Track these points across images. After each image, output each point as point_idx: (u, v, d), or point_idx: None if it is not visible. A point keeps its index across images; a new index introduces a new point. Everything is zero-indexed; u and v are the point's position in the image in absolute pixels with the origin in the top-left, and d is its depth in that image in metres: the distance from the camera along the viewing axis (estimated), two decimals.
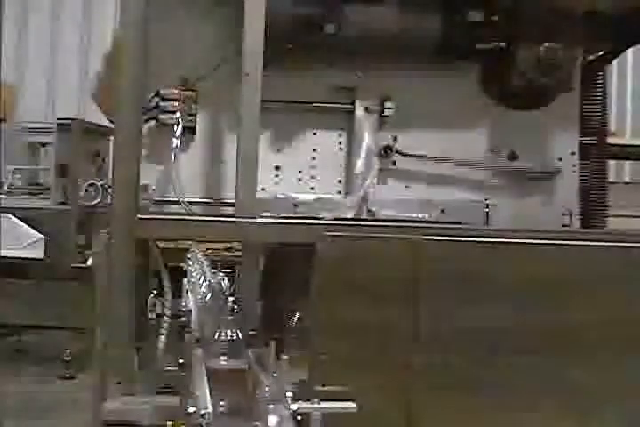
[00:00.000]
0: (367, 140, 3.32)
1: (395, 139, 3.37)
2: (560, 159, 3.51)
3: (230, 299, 2.40)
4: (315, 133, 3.39)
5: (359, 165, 3.31)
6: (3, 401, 6.35)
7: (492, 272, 2.68)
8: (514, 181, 3.47)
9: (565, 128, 3.51)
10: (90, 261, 6.66)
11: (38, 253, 7.73)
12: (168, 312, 3.13)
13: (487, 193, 3.44)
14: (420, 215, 3.28)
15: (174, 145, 3.13)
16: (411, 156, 3.37)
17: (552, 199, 3.49)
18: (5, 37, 8.92)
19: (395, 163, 3.40)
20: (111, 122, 3.46)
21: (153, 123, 3.18)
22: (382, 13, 3.18)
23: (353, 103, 3.36)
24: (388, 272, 2.64)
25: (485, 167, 3.43)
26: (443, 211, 3.33)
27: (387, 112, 3.34)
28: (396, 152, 3.37)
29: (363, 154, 3.32)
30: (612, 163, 3.97)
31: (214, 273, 2.99)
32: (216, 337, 2.15)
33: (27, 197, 8.51)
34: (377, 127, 3.35)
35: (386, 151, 3.35)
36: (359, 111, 3.33)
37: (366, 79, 3.35)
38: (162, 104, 3.16)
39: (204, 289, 3.18)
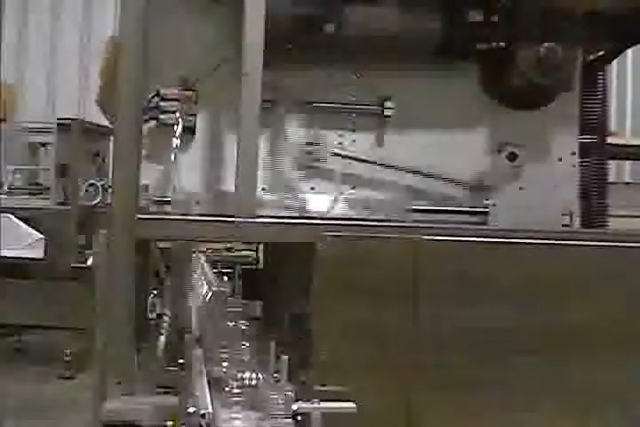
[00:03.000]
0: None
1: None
2: (560, 159, 3.51)
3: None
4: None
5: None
6: (3, 401, 6.35)
7: (492, 272, 2.68)
8: (514, 180, 3.47)
9: (565, 128, 3.51)
10: (90, 261, 6.66)
11: (38, 253, 7.74)
12: (168, 312, 3.13)
13: (488, 192, 3.44)
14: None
15: (174, 145, 3.13)
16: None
17: (552, 199, 3.49)
18: (5, 37, 8.92)
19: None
20: (111, 123, 3.46)
21: (153, 123, 3.18)
22: (382, 13, 3.18)
23: (353, 103, 3.36)
24: (388, 272, 2.64)
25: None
26: (367, 208, 3.30)
27: (387, 112, 3.34)
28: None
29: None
30: (612, 163, 3.97)
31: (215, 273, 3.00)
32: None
33: (27, 197, 8.52)
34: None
35: None
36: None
37: (366, 79, 3.35)
38: (162, 104, 3.15)
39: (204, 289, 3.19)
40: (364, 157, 3.34)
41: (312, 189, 3.36)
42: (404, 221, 3.06)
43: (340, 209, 3.23)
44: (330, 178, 3.32)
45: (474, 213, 3.37)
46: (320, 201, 3.25)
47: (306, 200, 3.27)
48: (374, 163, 3.33)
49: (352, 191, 3.28)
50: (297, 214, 3.20)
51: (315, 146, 3.30)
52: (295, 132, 3.31)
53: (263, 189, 3.27)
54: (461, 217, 3.34)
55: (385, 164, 3.33)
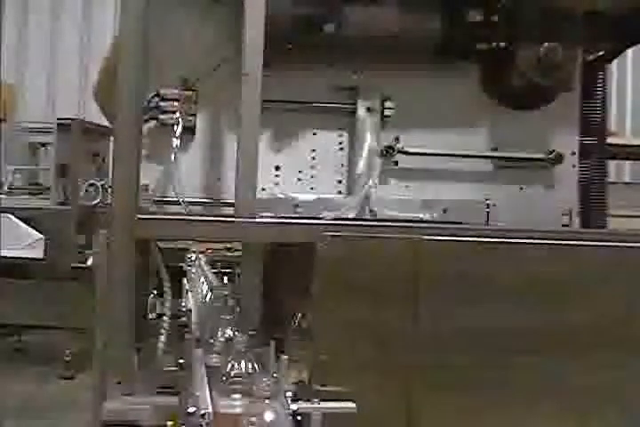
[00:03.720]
0: (369, 140, 3.33)
1: (397, 139, 3.37)
2: None
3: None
4: (315, 133, 3.39)
5: (361, 165, 3.32)
6: (3, 401, 6.36)
7: (492, 272, 2.68)
8: (514, 180, 3.47)
9: (565, 128, 3.51)
10: (90, 261, 6.66)
11: (38, 253, 7.74)
12: (168, 312, 3.13)
13: (488, 192, 3.44)
14: (421, 215, 3.28)
15: (174, 145, 3.13)
16: (413, 154, 3.37)
17: (552, 199, 3.49)
18: (5, 37, 8.92)
19: (397, 163, 3.40)
20: (111, 123, 3.46)
21: (153, 123, 3.18)
22: (382, 13, 3.18)
23: (354, 103, 3.36)
24: (388, 272, 2.64)
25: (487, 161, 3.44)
26: (445, 211, 3.33)
27: (387, 112, 3.34)
28: (399, 151, 3.37)
29: (364, 154, 3.32)
30: (612, 163, 3.97)
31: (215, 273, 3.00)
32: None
33: (27, 197, 8.52)
34: (379, 127, 3.35)
35: (387, 151, 3.35)
36: (361, 111, 3.33)
37: (366, 79, 3.36)
38: (162, 104, 3.16)
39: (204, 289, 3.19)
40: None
41: (312, 188, 3.37)
42: (403, 221, 3.07)
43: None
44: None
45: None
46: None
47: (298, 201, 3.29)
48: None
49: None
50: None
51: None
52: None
53: (263, 189, 3.28)
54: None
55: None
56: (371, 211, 3.28)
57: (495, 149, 3.48)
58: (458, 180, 3.44)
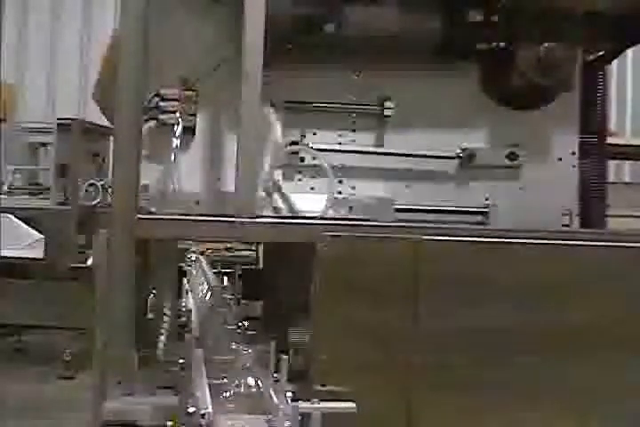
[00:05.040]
0: (276, 137, 3.29)
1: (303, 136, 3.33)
2: (560, 159, 3.51)
3: None
4: (314, 133, 3.39)
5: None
6: (3, 401, 6.36)
7: (492, 272, 2.68)
8: (513, 180, 3.47)
9: (565, 128, 3.51)
10: (90, 261, 6.66)
11: (38, 253, 7.75)
12: (168, 312, 3.13)
13: (488, 192, 3.44)
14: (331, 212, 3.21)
15: (174, 145, 3.13)
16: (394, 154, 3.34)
17: (552, 199, 3.49)
18: (5, 37, 8.91)
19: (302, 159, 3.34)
20: (111, 123, 3.46)
21: (153, 123, 3.18)
22: (382, 13, 3.18)
23: (354, 103, 3.36)
24: (388, 272, 2.64)
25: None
26: (351, 208, 3.30)
27: (387, 112, 3.34)
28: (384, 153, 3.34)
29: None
30: (612, 163, 3.97)
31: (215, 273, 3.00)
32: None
33: (27, 197, 8.52)
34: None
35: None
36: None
37: (366, 79, 3.36)
38: (162, 104, 3.15)
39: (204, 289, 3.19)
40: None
41: (312, 189, 3.37)
42: (403, 221, 3.07)
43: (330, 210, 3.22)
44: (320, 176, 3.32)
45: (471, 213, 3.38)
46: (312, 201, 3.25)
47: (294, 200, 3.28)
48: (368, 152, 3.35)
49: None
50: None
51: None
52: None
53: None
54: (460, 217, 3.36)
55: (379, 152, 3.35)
56: (274, 208, 3.24)
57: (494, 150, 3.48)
58: (458, 180, 3.44)
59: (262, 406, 2.01)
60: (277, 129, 3.29)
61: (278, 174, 3.29)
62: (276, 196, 3.26)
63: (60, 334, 7.91)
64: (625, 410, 2.70)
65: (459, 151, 3.39)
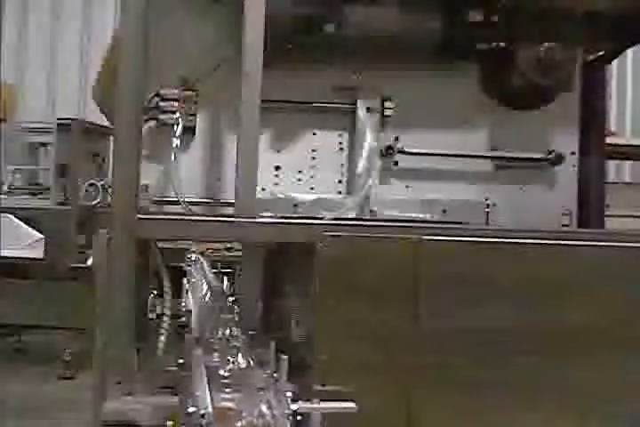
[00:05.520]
0: (369, 140, 3.33)
1: (396, 139, 3.37)
2: None
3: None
4: (314, 133, 3.39)
5: (361, 164, 3.32)
6: (3, 401, 6.36)
7: (492, 272, 2.68)
8: (514, 180, 3.48)
9: (565, 128, 3.51)
10: (90, 261, 6.66)
11: (38, 253, 7.74)
12: (168, 312, 3.13)
13: (488, 192, 3.44)
14: (421, 215, 3.28)
15: (174, 145, 3.13)
16: (413, 154, 3.37)
17: (552, 199, 3.49)
18: (5, 37, 8.92)
19: (397, 163, 3.40)
20: (111, 122, 3.46)
21: (153, 123, 3.18)
22: (382, 13, 3.18)
23: (354, 103, 3.36)
24: (388, 272, 2.64)
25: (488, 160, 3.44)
26: (444, 211, 3.33)
27: (387, 112, 3.34)
28: (399, 151, 3.37)
29: (365, 154, 3.32)
30: (611, 163, 3.97)
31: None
32: None
33: (27, 197, 8.51)
34: (378, 127, 3.35)
35: (387, 151, 3.35)
36: (361, 111, 3.33)
37: (366, 79, 3.36)
38: (162, 104, 3.16)
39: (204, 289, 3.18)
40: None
41: (311, 188, 3.37)
42: (402, 221, 3.07)
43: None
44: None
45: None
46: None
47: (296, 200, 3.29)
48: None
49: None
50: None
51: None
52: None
53: (263, 189, 3.28)
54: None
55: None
56: (371, 211, 3.28)
57: (495, 149, 3.48)
58: (457, 179, 3.44)
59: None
60: (370, 133, 3.32)
61: (375, 178, 3.33)
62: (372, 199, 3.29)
63: (60, 334, 7.90)
64: (625, 410, 2.70)
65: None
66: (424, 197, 3.38)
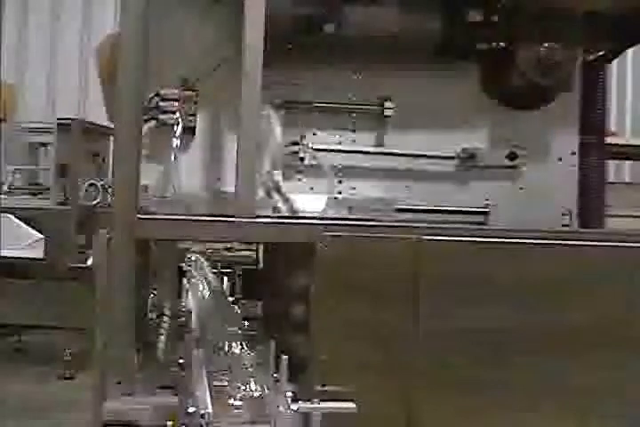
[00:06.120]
0: (277, 138, 3.29)
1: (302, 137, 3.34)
2: (560, 159, 3.51)
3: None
4: (314, 134, 3.39)
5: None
6: (3, 401, 6.36)
7: (492, 272, 2.68)
8: (514, 180, 3.47)
9: (565, 128, 3.51)
10: (90, 261, 6.66)
11: (38, 253, 7.75)
12: (168, 312, 3.13)
13: (488, 192, 3.44)
14: (330, 212, 3.22)
15: (174, 145, 3.13)
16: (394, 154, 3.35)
17: (552, 199, 3.49)
18: (5, 37, 8.91)
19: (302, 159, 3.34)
20: (111, 122, 3.46)
21: (153, 123, 3.18)
22: (382, 13, 3.18)
23: (354, 103, 3.36)
24: (388, 272, 2.64)
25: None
26: (351, 208, 3.30)
27: (387, 112, 3.34)
28: (388, 154, 3.35)
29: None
30: (611, 163, 3.97)
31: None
32: None
33: (27, 197, 8.52)
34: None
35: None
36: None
37: (366, 79, 3.36)
38: (162, 104, 3.15)
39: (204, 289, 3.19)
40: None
41: (311, 189, 3.37)
42: (402, 221, 3.07)
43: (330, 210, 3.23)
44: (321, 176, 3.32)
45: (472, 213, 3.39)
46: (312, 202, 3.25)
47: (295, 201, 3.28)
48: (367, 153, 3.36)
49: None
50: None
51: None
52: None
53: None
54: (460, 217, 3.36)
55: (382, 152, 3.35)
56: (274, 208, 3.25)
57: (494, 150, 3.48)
58: (456, 179, 3.44)
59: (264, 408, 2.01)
60: (277, 129, 3.30)
61: (278, 174, 3.29)
62: (275, 196, 3.26)
63: (60, 334, 7.90)
64: (625, 410, 2.70)
65: (458, 151, 3.40)
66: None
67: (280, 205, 3.25)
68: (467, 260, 2.67)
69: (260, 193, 3.18)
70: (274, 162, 3.25)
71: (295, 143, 3.31)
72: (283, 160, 3.28)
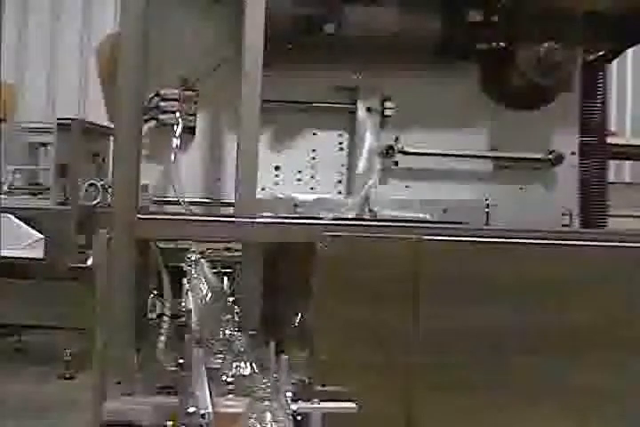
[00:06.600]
0: (369, 140, 3.32)
1: (397, 139, 3.37)
2: None
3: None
4: (315, 133, 3.39)
5: (361, 165, 3.31)
6: (3, 401, 6.36)
7: (492, 272, 2.68)
8: (514, 180, 3.48)
9: (565, 128, 3.51)
10: (90, 261, 6.66)
11: (38, 253, 7.74)
12: (168, 312, 3.13)
13: (488, 192, 3.44)
14: (421, 215, 3.28)
15: (174, 145, 3.13)
16: (412, 154, 3.37)
17: (552, 199, 3.49)
18: (5, 37, 8.92)
19: (397, 163, 3.40)
20: (111, 121, 3.46)
21: (153, 123, 3.18)
22: (382, 13, 3.18)
23: (354, 103, 3.36)
24: (388, 272, 2.64)
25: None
26: (445, 211, 3.33)
27: (387, 112, 3.34)
28: (399, 151, 3.37)
29: (365, 154, 3.32)
30: (611, 163, 3.97)
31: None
32: None
33: (27, 197, 8.52)
34: (378, 127, 3.35)
35: (388, 151, 3.35)
36: (361, 111, 3.33)
37: (366, 79, 3.36)
38: (162, 104, 3.16)
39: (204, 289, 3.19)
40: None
41: (312, 189, 3.37)
42: (403, 221, 3.07)
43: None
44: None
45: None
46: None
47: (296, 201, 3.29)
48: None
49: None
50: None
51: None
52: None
53: (263, 189, 3.28)
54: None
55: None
56: (370, 211, 3.28)
57: (495, 149, 3.48)
58: (457, 180, 3.44)
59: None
60: (371, 133, 3.31)
61: (375, 178, 3.33)
62: (374, 201, 3.28)
63: (60, 334, 7.90)
64: (625, 410, 2.70)
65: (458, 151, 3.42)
66: (424, 196, 3.37)
67: (375, 208, 3.28)
68: (466, 260, 2.67)
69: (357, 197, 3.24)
70: (369, 166, 3.30)
71: (390, 147, 3.34)
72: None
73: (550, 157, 3.46)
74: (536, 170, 3.49)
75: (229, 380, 2.08)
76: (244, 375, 2.13)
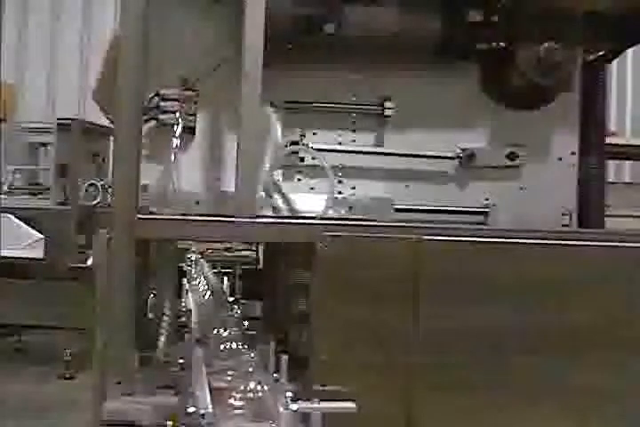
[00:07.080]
0: (275, 136, 3.29)
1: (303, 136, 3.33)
2: (560, 159, 3.51)
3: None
4: (315, 133, 3.39)
5: (267, 160, 3.26)
6: (3, 401, 6.36)
7: (492, 272, 2.68)
8: (513, 180, 3.47)
9: (565, 128, 3.51)
10: (90, 261, 6.67)
11: (38, 253, 7.75)
12: (168, 312, 3.13)
13: (488, 192, 3.44)
14: (330, 212, 3.21)
15: (174, 145, 3.13)
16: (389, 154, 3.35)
17: (552, 199, 3.49)
18: (5, 37, 8.92)
19: (302, 159, 3.33)
20: (111, 122, 3.46)
21: (153, 123, 3.18)
22: (382, 13, 3.18)
23: (353, 103, 3.36)
24: (388, 272, 2.64)
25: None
26: (351, 208, 3.30)
27: (387, 112, 3.34)
28: (386, 154, 3.34)
29: (271, 150, 3.27)
30: (612, 163, 3.98)
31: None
32: None
33: (27, 197, 8.53)
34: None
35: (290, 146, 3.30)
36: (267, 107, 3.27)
37: (366, 79, 3.36)
38: (162, 104, 3.15)
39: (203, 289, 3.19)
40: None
41: (311, 189, 3.37)
42: (402, 221, 3.07)
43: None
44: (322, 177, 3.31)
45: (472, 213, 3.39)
46: (312, 201, 3.25)
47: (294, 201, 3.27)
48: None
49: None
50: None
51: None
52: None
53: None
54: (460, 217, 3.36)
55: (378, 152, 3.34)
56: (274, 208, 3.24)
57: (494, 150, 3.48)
58: (453, 179, 3.44)
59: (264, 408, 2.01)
60: (277, 129, 3.30)
61: (278, 174, 3.29)
62: (275, 196, 3.26)
63: (60, 334, 7.91)
64: (625, 410, 2.70)
65: (458, 151, 3.40)
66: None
67: (280, 204, 3.24)
68: (466, 260, 2.67)
69: (260, 193, 3.17)
70: (273, 162, 3.25)
71: (295, 143, 3.31)
72: (283, 160, 3.28)
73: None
74: (536, 170, 3.48)
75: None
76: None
